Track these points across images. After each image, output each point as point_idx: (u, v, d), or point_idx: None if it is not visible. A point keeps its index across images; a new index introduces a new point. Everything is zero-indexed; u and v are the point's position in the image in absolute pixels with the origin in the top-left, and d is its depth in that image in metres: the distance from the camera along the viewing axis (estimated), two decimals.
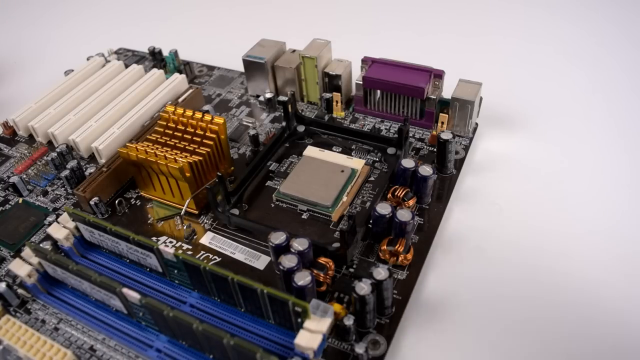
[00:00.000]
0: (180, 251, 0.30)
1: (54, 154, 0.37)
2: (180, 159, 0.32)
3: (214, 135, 0.34)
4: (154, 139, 0.35)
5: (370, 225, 0.30)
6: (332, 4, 0.59)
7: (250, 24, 0.55)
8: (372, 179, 0.35)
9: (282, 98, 0.42)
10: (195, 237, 0.32)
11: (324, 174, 0.34)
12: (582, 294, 0.28)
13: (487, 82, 0.37)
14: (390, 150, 0.36)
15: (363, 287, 0.25)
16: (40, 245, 0.30)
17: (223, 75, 0.47)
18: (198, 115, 0.35)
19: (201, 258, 0.31)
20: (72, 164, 0.35)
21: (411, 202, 0.32)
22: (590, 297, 0.28)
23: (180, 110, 0.35)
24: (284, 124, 0.38)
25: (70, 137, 0.38)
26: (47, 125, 0.40)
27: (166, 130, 0.35)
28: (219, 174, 0.31)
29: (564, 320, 0.27)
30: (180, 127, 0.35)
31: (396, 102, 0.39)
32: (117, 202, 0.34)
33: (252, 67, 0.42)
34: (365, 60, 0.39)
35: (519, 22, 0.52)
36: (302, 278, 0.25)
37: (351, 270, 0.29)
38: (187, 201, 0.33)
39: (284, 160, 0.37)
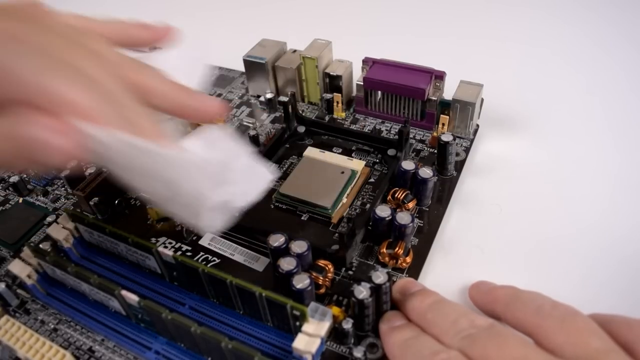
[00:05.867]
0: (179, 252, 0.30)
1: None
2: None
3: None
4: None
5: (370, 228, 0.30)
6: (333, 5, 0.58)
7: (251, 24, 0.55)
8: (372, 180, 0.35)
9: (282, 98, 0.42)
10: (194, 238, 0.32)
11: (324, 175, 0.34)
12: (582, 294, 0.28)
13: (489, 84, 0.37)
14: (391, 152, 0.36)
15: (362, 291, 0.25)
16: (40, 245, 0.30)
17: (223, 75, 0.47)
18: None
19: (200, 259, 0.31)
20: (72, 163, 0.35)
21: (411, 205, 0.32)
22: (591, 297, 0.28)
23: None
24: (284, 124, 0.38)
25: None
26: None
27: None
28: None
29: None
30: None
31: (397, 103, 0.38)
32: (117, 202, 0.34)
33: (252, 67, 0.42)
34: (366, 61, 0.39)
35: (521, 24, 0.52)
36: (301, 281, 0.25)
37: (350, 272, 0.29)
38: None
39: (284, 161, 0.37)
